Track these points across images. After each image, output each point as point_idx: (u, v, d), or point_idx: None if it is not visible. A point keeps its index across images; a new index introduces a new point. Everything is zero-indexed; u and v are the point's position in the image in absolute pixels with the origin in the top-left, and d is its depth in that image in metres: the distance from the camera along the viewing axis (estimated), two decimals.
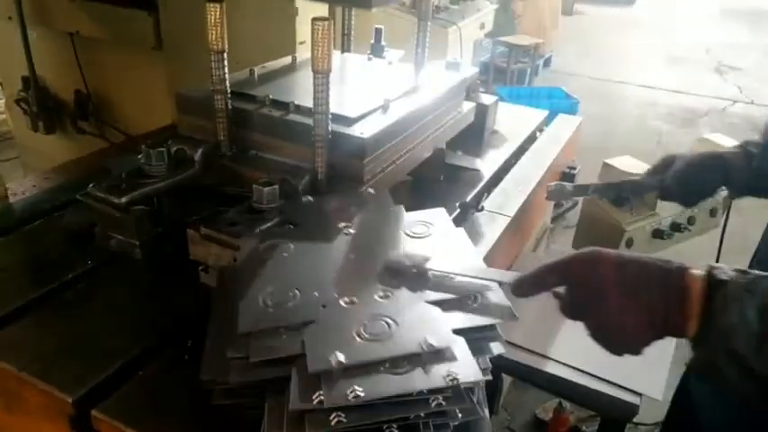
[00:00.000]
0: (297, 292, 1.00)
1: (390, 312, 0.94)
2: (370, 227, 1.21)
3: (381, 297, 0.99)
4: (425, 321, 0.94)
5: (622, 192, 1.96)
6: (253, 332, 0.93)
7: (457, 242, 1.17)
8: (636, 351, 0.91)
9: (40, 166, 2.58)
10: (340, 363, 0.84)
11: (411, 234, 1.17)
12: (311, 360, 0.86)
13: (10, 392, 1.09)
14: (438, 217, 1.23)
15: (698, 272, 0.86)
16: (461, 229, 1.22)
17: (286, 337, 0.91)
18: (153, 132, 2.02)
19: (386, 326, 0.92)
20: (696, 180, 1.53)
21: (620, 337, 0.91)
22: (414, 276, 1.04)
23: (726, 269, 0.85)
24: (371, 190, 1.34)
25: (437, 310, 0.96)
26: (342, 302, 0.98)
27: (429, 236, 1.17)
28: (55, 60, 2.56)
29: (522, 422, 2.82)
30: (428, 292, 1.01)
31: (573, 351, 1.56)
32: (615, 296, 0.89)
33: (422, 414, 0.82)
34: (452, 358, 0.86)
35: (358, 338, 0.90)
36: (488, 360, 0.97)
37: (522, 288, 0.97)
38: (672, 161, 1.57)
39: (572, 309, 0.94)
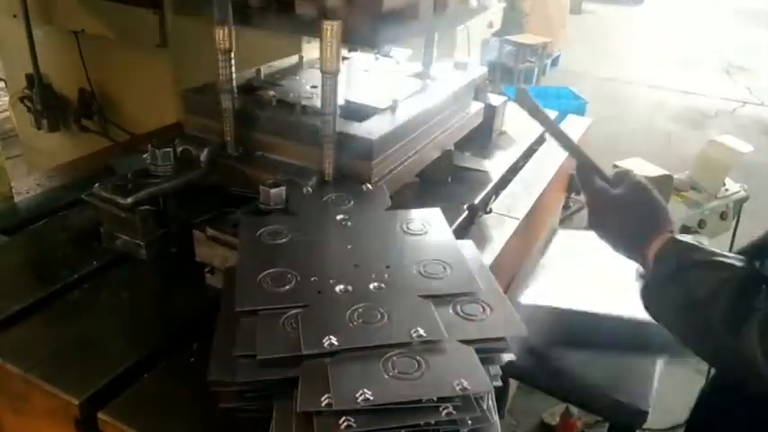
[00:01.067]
0: (294, 276, 1.04)
1: (383, 302, 0.98)
2: (367, 220, 1.24)
3: (375, 288, 1.03)
4: (417, 313, 0.97)
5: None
6: (260, 331, 0.93)
7: (449, 240, 1.20)
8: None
9: (44, 164, 2.58)
10: (332, 345, 0.88)
11: (406, 230, 1.20)
12: (305, 342, 0.89)
13: (16, 394, 1.08)
14: (433, 216, 1.26)
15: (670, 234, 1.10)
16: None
17: (294, 337, 0.92)
18: (157, 131, 2.01)
19: (378, 315, 0.96)
20: None
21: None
22: (537, 113, 1.28)
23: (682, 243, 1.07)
24: (369, 186, 1.34)
25: (428, 303, 0.99)
26: (337, 290, 1.02)
27: (424, 233, 1.20)
28: (59, 58, 2.56)
29: (529, 427, 2.79)
30: (420, 286, 1.04)
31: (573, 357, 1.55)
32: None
33: (432, 422, 0.81)
34: (442, 350, 0.90)
35: (351, 324, 0.94)
36: (498, 368, 0.97)
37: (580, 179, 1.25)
38: None
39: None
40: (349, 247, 1.15)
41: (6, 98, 3.07)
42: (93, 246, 1.37)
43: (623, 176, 1.21)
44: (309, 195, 1.30)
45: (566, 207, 3.26)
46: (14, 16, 2.40)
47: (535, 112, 1.31)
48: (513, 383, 2.12)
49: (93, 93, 2.56)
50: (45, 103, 2.59)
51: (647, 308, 1.09)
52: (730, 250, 1.96)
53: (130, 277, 1.32)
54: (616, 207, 1.18)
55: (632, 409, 1.42)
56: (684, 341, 1.08)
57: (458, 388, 0.82)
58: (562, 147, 1.33)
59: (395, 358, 0.88)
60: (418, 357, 0.88)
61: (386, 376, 0.85)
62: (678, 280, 1.02)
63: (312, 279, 1.04)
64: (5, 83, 2.98)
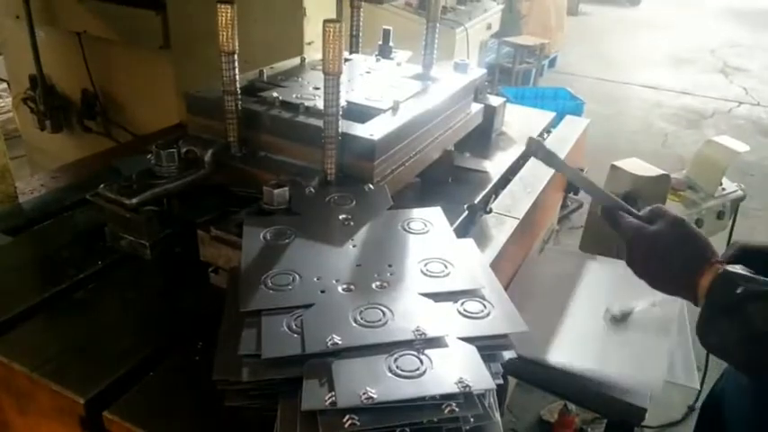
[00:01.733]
0: (297, 276, 1.06)
1: (386, 301, 1.00)
2: (369, 220, 1.25)
3: (378, 287, 1.04)
4: (419, 311, 0.99)
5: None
6: (265, 331, 0.94)
7: (450, 238, 1.21)
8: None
9: (47, 164, 2.59)
10: (336, 344, 0.90)
11: (408, 229, 1.22)
12: (308, 341, 0.91)
13: (22, 393, 1.09)
14: (434, 215, 1.27)
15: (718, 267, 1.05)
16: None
17: (298, 336, 0.93)
18: (160, 132, 2.03)
19: (381, 313, 0.97)
20: None
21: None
22: (553, 161, 1.27)
23: (734, 276, 1.02)
24: (371, 186, 1.35)
25: (430, 301, 1.01)
26: (340, 289, 1.03)
27: (426, 232, 1.22)
28: (62, 59, 2.56)
29: (527, 424, 2.81)
30: (422, 285, 1.05)
31: (575, 352, 1.56)
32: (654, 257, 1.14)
33: (435, 419, 0.82)
34: (445, 348, 0.91)
35: (354, 323, 0.95)
36: (499, 365, 0.98)
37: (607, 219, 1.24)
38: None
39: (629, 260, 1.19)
40: (351, 246, 1.16)
41: (9, 99, 3.08)
42: (98, 246, 1.38)
43: (659, 213, 1.18)
44: (312, 195, 1.31)
45: (563, 206, 3.28)
46: (17, 17, 2.41)
47: (551, 160, 1.30)
48: (511, 380, 2.13)
49: (96, 94, 2.57)
50: (48, 103, 2.60)
51: (703, 341, 1.05)
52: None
53: (135, 277, 1.33)
54: (659, 244, 1.14)
55: (631, 406, 1.43)
56: (747, 371, 1.08)
57: (460, 386, 0.84)
58: (584, 190, 1.31)
59: (398, 357, 0.89)
60: (421, 355, 0.89)
61: (389, 374, 0.86)
62: (736, 313, 0.99)
63: (315, 279, 1.06)
64: (8, 84, 2.99)
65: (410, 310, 0.99)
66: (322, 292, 1.03)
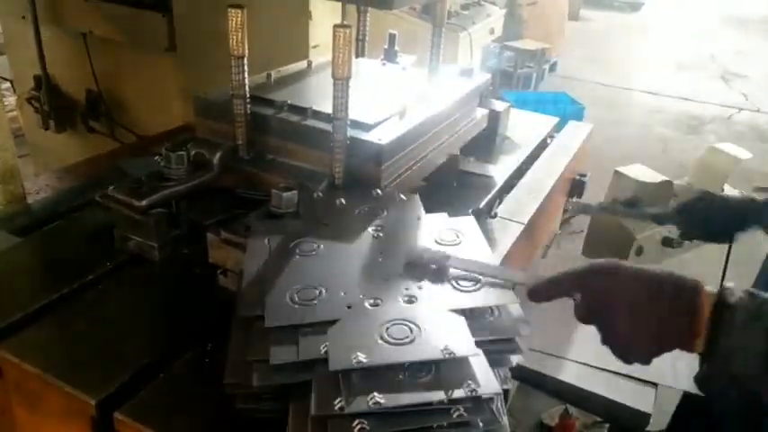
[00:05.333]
0: (323, 290, 1.02)
1: (414, 317, 0.95)
2: (400, 231, 1.21)
3: (406, 301, 1.00)
4: (448, 329, 0.94)
5: (643, 217, 1.97)
6: (274, 334, 0.94)
7: (484, 251, 1.17)
8: (644, 361, 0.95)
9: (50, 164, 2.60)
10: (361, 363, 0.85)
11: (440, 241, 1.17)
12: (333, 359, 0.87)
13: (32, 393, 1.10)
14: (467, 225, 1.23)
15: (710, 290, 0.89)
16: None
17: (308, 340, 0.92)
18: (165, 133, 2.03)
19: (408, 330, 0.92)
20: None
21: (627, 349, 0.96)
22: (433, 272, 1.06)
23: (736, 291, 0.88)
24: (403, 195, 1.34)
25: (461, 318, 0.96)
26: (367, 304, 0.99)
27: (458, 244, 1.17)
28: (67, 60, 2.56)
29: (528, 427, 2.82)
30: (452, 300, 1.01)
31: (585, 349, 1.56)
32: (625, 311, 0.93)
33: (443, 423, 0.83)
34: (472, 367, 0.87)
35: (380, 341, 0.90)
36: (507, 369, 0.99)
37: (539, 294, 1.01)
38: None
39: (585, 316, 0.98)
40: (380, 259, 1.12)
41: (14, 99, 3.07)
42: (107, 247, 1.38)
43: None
44: (341, 205, 1.29)
45: (564, 210, 3.29)
46: (23, 18, 2.41)
47: None
48: (512, 383, 2.13)
49: (101, 94, 2.57)
50: (52, 103, 2.59)
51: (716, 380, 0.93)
52: (728, 256, 1.99)
53: (144, 278, 1.34)
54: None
55: (634, 411, 1.44)
56: None
57: (468, 390, 0.83)
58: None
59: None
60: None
61: (397, 379, 0.86)
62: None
63: (342, 293, 1.01)
64: (13, 83, 2.99)
65: (439, 328, 0.94)
66: (348, 307, 0.98)
